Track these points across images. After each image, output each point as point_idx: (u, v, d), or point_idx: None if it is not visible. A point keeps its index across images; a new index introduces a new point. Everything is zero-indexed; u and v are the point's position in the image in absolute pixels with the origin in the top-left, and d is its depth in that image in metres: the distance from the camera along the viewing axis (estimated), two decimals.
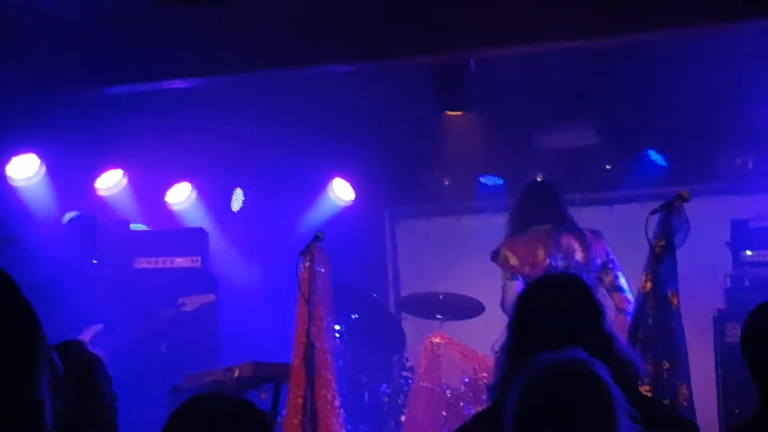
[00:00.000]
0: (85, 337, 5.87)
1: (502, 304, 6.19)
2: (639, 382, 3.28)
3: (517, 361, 3.06)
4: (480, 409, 4.54)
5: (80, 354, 3.18)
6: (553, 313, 3.05)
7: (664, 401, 4.52)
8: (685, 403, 4.64)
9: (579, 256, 6.02)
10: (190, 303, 6.84)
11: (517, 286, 6.02)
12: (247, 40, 5.86)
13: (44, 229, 6.89)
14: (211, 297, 6.90)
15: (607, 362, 3.04)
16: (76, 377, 2.98)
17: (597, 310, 3.12)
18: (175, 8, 5.62)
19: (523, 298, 3.18)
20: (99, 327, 6.11)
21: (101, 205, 7.41)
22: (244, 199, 8.29)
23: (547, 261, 6.01)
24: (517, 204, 6.36)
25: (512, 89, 7.18)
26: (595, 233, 6.15)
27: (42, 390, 1.76)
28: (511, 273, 6.15)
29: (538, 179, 7.03)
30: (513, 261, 6.13)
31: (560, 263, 5.99)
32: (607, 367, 2.45)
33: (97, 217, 6.95)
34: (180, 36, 6.00)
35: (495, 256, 6.24)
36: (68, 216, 6.84)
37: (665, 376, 4.65)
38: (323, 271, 5.39)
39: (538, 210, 6.21)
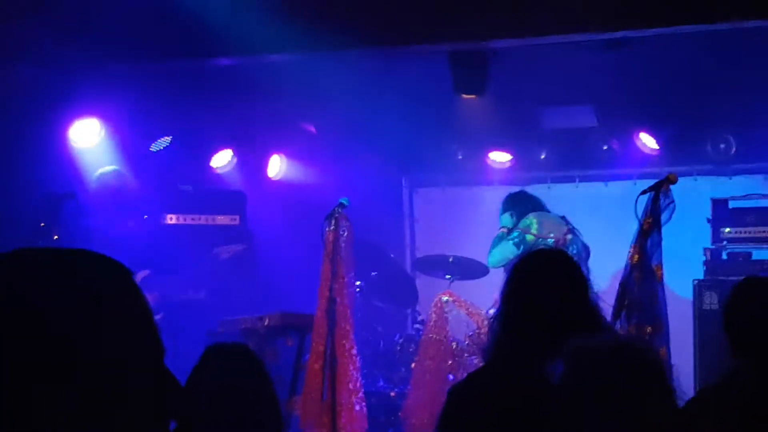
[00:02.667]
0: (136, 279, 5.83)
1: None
2: None
3: (508, 329, 2.98)
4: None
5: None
6: (541, 285, 2.95)
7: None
8: None
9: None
10: (224, 252, 6.85)
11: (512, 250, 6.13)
12: (285, 25, 5.75)
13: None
14: (241, 246, 6.90)
15: (591, 330, 2.96)
16: None
17: (582, 282, 3.02)
18: None
19: (514, 271, 3.06)
20: (146, 272, 6.08)
21: (153, 166, 7.34)
22: (280, 165, 8.22)
23: (569, 237, 6.10)
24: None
25: (521, 74, 7.05)
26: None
27: None
28: (520, 239, 6.19)
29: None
30: (535, 230, 6.15)
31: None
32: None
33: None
34: (227, 18, 5.91)
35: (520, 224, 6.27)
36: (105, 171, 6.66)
37: (647, 339, 4.58)
38: (345, 234, 5.32)
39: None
